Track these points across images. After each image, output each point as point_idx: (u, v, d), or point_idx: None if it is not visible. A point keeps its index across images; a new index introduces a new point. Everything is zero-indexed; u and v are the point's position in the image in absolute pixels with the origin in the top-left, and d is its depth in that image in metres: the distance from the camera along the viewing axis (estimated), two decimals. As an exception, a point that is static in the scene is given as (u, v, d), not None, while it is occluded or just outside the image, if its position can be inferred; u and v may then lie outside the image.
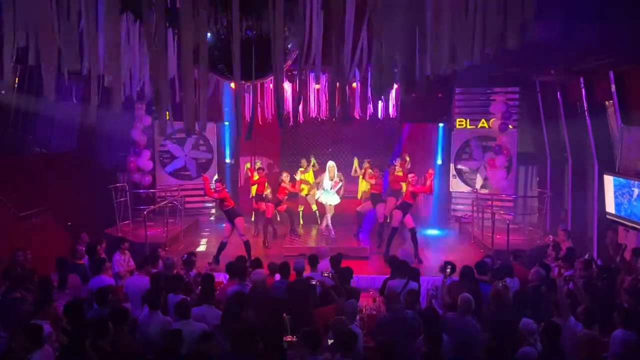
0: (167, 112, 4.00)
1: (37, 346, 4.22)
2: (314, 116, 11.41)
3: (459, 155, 12.71)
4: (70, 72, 3.98)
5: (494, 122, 12.23)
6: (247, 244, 9.07)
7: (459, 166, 12.69)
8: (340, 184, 10.54)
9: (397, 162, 10.36)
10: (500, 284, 5.88)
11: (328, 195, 10.28)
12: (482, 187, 12.40)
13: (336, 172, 10.42)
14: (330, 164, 10.47)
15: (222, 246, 9.18)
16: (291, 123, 11.11)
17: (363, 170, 10.58)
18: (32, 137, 9.69)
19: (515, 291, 5.93)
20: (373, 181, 10.28)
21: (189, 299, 5.57)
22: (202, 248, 10.62)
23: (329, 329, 4.80)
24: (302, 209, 11.79)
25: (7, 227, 8.30)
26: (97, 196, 10.82)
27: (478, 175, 12.51)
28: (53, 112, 9.52)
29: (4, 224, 8.31)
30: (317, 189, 10.85)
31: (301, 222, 11.73)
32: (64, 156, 10.43)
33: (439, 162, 12.92)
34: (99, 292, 5.38)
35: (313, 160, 11.64)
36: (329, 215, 10.39)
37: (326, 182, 10.29)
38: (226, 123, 13.08)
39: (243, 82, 4.19)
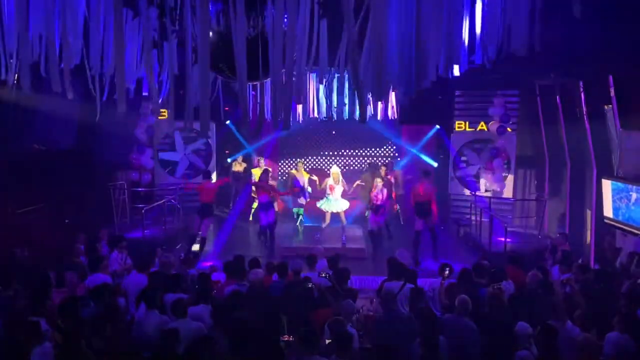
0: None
1: (37, 342, 4.21)
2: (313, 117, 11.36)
3: (458, 163, 12.71)
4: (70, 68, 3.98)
5: (493, 125, 12.23)
6: (202, 240, 9.72)
7: (458, 174, 12.71)
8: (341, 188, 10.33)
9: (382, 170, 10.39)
10: (496, 287, 5.88)
11: (335, 202, 10.17)
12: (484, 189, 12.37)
13: (340, 179, 10.27)
14: (335, 170, 10.42)
15: (202, 241, 9.72)
16: (291, 124, 11.02)
17: (375, 187, 9.94)
18: (31, 134, 9.65)
19: (511, 294, 5.93)
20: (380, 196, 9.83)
21: (187, 297, 5.56)
22: (197, 247, 10.58)
23: (326, 329, 4.80)
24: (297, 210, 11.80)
25: (5, 224, 8.27)
26: (95, 194, 10.78)
27: (481, 179, 12.48)
28: (52, 108, 9.48)
29: (2, 220, 8.28)
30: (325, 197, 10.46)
31: (298, 222, 11.73)
32: (62, 153, 10.39)
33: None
34: (95, 290, 5.36)
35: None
36: (344, 223, 10.29)
37: (337, 189, 10.12)
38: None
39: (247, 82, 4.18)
